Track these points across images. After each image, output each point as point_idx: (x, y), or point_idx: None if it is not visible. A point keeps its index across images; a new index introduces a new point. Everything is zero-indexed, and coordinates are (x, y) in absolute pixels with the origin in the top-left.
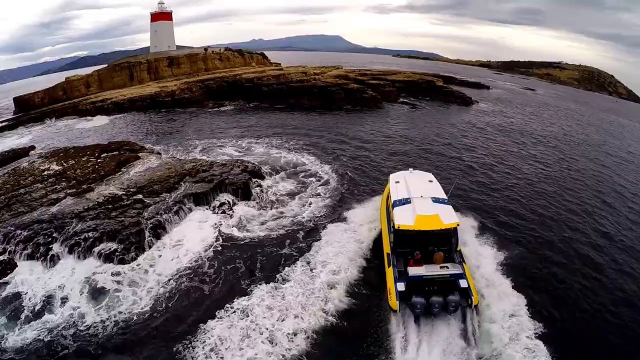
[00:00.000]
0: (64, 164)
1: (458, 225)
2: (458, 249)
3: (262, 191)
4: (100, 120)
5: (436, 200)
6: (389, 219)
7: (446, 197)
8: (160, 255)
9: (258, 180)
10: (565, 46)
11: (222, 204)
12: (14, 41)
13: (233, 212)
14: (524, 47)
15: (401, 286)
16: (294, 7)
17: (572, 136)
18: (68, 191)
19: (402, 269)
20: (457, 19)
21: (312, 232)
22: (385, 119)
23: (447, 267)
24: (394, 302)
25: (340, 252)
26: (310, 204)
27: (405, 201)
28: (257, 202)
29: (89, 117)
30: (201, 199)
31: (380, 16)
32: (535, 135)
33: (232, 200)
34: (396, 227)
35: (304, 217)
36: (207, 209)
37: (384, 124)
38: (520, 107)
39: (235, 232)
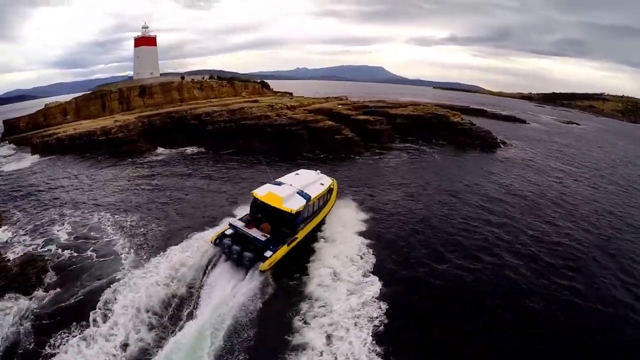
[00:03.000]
0: None
1: (292, 212)
2: (296, 236)
3: None
4: (24, 162)
5: (299, 192)
6: None
7: (311, 196)
8: None
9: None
10: (606, 77)
11: None
12: (70, 57)
13: None
14: (566, 78)
15: (228, 231)
16: (339, 37)
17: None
18: None
19: None
20: (498, 50)
21: None
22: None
23: (266, 236)
24: (212, 237)
25: None
26: None
27: (279, 183)
28: None
29: (25, 156)
30: None
31: (423, 48)
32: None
33: None
34: (251, 193)
35: None
36: None
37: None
38: (559, 148)
39: None
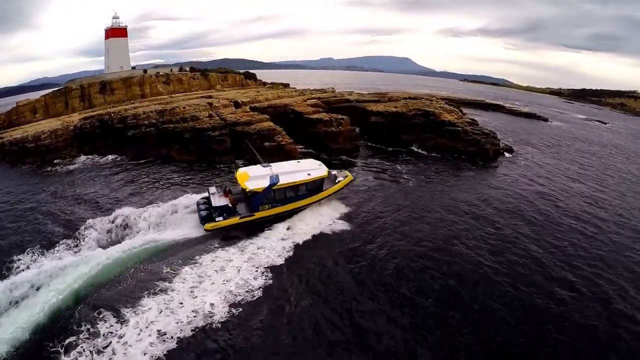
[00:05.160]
0: None
1: (247, 189)
2: (253, 213)
3: None
4: None
5: (271, 176)
6: None
7: (278, 182)
8: None
9: None
10: None
11: None
12: (94, 46)
13: None
14: (598, 74)
15: (208, 195)
16: (365, 27)
17: None
18: None
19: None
20: (530, 44)
21: None
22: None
23: (227, 206)
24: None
25: None
26: None
27: (267, 165)
28: None
29: None
30: None
31: (452, 39)
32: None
33: None
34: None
35: None
36: None
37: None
38: (580, 158)
39: None
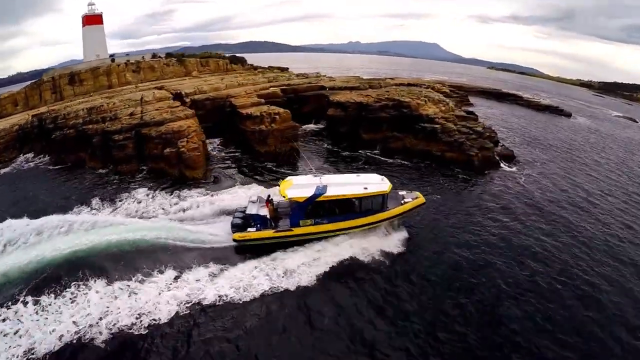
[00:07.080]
0: None
1: (285, 197)
2: (290, 228)
3: None
4: None
5: (318, 186)
6: None
7: (323, 193)
8: None
9: None
10: None
11: None
12: (123, 29)
13: None
14: (632, 68)
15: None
16: (394, 12)
17: None
18: None
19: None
20: (562, 33)
21: None
22: None
23: (263, 215)
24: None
25: None
26: None
27: (317, 175)
28: None
29: None
30: None
31: (482, 26)
32: None
33: None
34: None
35: None
36: None
37: None
38: (603, 172)
39: None
